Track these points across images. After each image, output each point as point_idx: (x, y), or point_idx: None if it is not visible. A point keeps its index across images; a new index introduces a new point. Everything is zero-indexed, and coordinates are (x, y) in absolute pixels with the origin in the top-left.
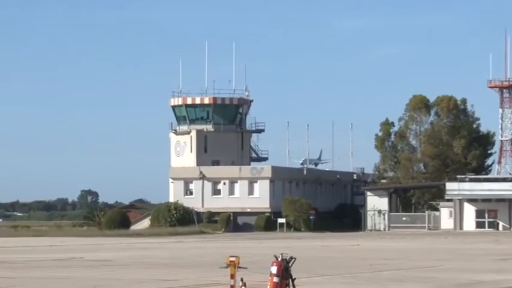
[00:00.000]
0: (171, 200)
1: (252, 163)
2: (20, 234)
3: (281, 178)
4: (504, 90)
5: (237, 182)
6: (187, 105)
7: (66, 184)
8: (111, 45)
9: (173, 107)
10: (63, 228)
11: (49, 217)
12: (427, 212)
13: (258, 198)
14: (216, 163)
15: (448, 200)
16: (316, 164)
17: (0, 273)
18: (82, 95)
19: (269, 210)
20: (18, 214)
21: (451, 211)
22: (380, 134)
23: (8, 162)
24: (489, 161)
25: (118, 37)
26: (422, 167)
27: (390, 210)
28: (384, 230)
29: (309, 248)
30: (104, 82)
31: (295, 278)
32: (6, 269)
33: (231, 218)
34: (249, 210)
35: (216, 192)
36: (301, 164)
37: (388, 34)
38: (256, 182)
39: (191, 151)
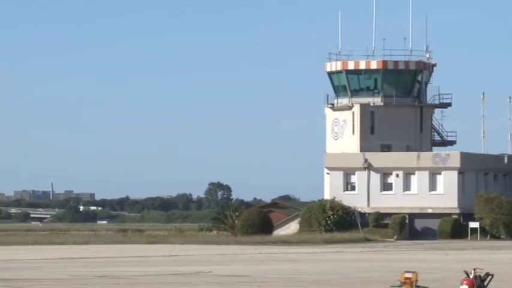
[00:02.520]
0: (327, 196)
1: (434, 148)
2: (130, 241)
3: (473, 169)
4: None
5: (414, 174)
6: (348, 72)
7: (190, 176)
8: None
9: (330, 74)
10: (185, 233)
11: (167, 219)
12: None
13: (443, 195)
14: (386, 148)
15: None
16: None
17: None
18: (217, 63)
19: (457, 211)
20: (128, 214)
21: None
22: None
23: (114, 150)
24: None
25: None
26: None
27: None
28: None
29: (511, 262)
30: (243, 42)
31: None
32: (111, 285)
33: (406, 221)
34: (430, 211)
35: (387, 187)
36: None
37: None
38: (440, 173)
39: (353, 132)
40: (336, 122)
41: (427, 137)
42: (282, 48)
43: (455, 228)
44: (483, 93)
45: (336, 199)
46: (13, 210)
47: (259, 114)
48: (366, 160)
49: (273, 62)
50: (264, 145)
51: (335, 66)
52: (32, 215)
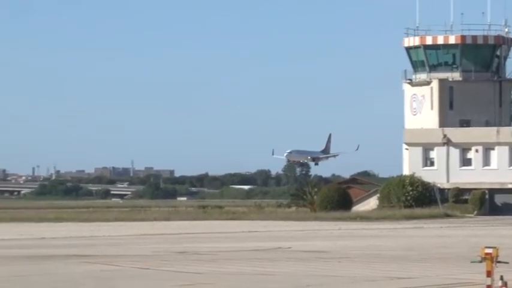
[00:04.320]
0: (406, 172)
1: None
2: (210, 217)
3: None
4: None
5: (493, 149)
6: (426, 47)
7: (269, 152)
8: None
9: (408, 49)
10: (264, 209)
11: (247, 195)
12: None
13: None
14: (465, 123)
15: None
16: None
17: (186, 267)
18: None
19: None
20: (208, 191)
21: None
22: None
23: (193, 127)
24: None
25: None
26: None
27: None
28: None
29: None
30: (323, 18)
31: None
32: (192, 262)
33: (486, 196)
34: (510, 186)
35: (466, 162)
36: None
37: None
38: None
39: (432, 107)
40: (414, 97)
41: (506, 112)
42: (360, 24)
43: None
44: None
45: (416, 175)
46: (94, 187)
47: (338, 90)
48: (444, 136)
49: (350, 38)
50: (343, 119)
51: (413, 41)
52: (112, 192)
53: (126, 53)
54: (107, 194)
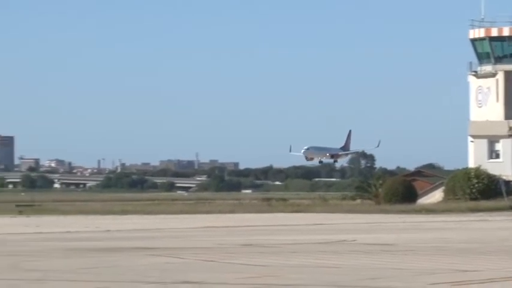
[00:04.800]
0: (471, 165)
1: None
2: (275, 210)
3: None
4: None
5: None
6: (491, 39)
7: (332, 143)
8: None
9: (473, 41)
10: (329, 201)
11: (311, 187)
12: None
13: None
14: None
15: None
16: None
17: (250, 259)
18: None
19: None
20: (272, 183)
21: None
22: None
23: (258, 120)
24: None
25: None
26: None
27: None
28: None
29: None
30: (388, 10)
31: None
32: (257, 254)
33: None
34: None
35: None
36: None
37: None
38: None
39: (497, 99)
40: (479, 89)
41: None
42: (425, 17)
43: None
44: None
45: (481, 167)
46: (159, 179)
47: (403, 82)
48: (510, 128)
49: (416, 30)
50: (408, 112)
51: (478, 33)
52: (177, 184)
53: (193, 48)
54: (171, 187)
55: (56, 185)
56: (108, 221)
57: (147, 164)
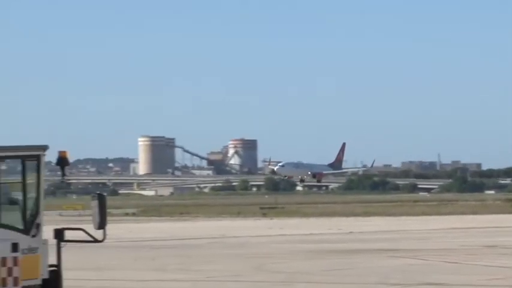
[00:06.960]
0: None
1: None
2: None
3: None
4: None
5: None
6: None
7: None
8: None
9: None
10: None
11: None
12: None
13: None
14: None
15: None
16: None
17: (494, 261)
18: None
19: None
20: None
21: None
22: None
23: (490, 120)
24: None
25: None
26: None
27: None
28: None
29: None
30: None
31: None
32: (501, 255)
33: None
34: None
35: None
36: None
37: None
38: None
39: None
40: None
41: None
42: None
43: None
44: None
45: None
46: (400, 181)
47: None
48: None
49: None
50: None
51: None
52: (419, 186)
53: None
54: (413, 188)
55: (299, 188)
56: (350, 223)
57: (389, 165)
